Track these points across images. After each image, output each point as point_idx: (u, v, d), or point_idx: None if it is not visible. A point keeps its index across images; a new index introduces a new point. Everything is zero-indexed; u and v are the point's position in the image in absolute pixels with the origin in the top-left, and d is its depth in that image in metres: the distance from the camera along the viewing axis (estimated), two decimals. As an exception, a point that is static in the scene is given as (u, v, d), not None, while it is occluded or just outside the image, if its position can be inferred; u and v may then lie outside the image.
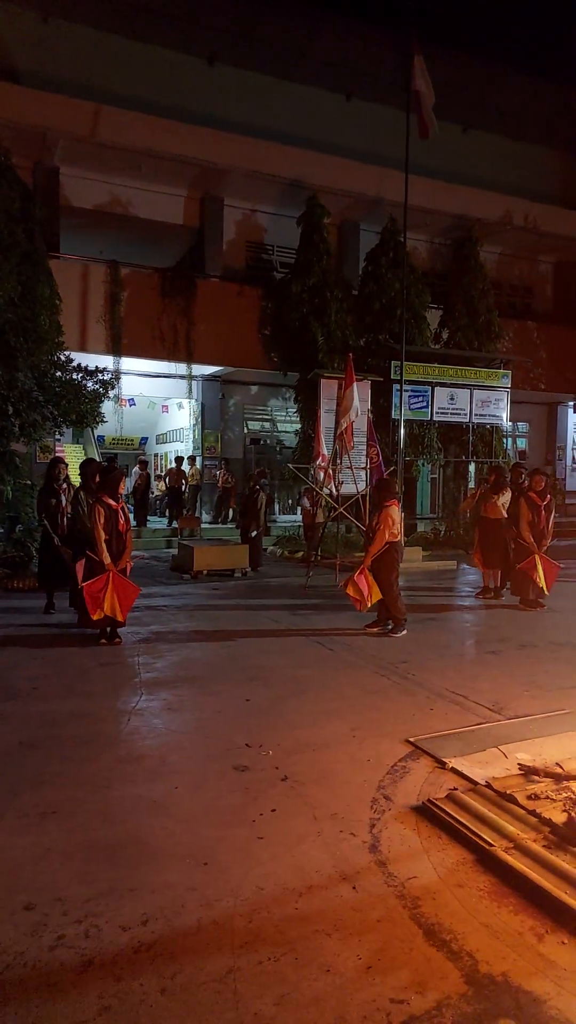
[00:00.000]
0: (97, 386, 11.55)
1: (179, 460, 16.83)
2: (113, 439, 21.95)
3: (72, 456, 21.25)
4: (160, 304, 15.00)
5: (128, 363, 15.89)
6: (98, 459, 20.76)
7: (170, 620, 7.80)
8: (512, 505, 8.51)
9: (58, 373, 11.18)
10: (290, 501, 18.09)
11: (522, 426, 21.45)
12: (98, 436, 21.50)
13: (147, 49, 16.35)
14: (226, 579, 10.82)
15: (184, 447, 18.62)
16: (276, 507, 17.43)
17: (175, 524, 15.52)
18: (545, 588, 8.16)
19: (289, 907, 2.71)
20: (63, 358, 11.52)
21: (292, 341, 14.57)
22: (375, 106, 17.78)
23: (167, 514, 16.91)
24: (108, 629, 6.67)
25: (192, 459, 17.00)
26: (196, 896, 2.77)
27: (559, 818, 3.25)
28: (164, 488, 18.18)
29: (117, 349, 14.63)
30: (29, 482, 12.79)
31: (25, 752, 4.14)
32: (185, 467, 16.50)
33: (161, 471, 20.80)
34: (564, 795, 3.47)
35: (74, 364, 11.50)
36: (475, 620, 8.22)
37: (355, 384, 10.00)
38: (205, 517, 16.59)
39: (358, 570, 7.09)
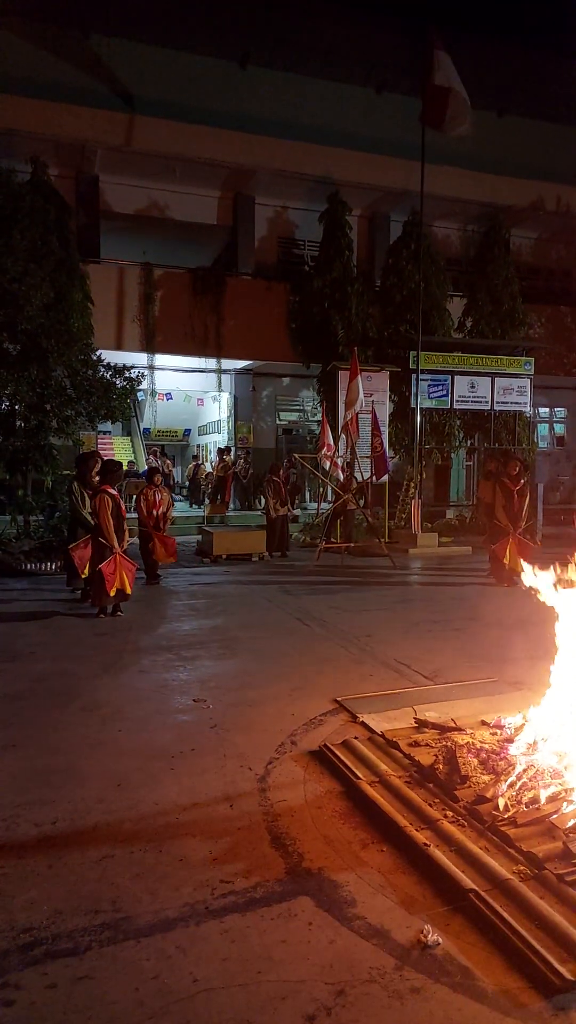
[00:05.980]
0: (125, 383, 12.37)
1: (220, 451, 17.54)
2: (158, 431, 23.00)
3: (120, 449, 22.39)
4: (192, 302, 15.75)
5: (164, 359, 16.74)
6: (143, 451, 21.77)
7: (172, 599, 8.53)
8: (489, 491, 8.84)
9: (89, 371, 12.04)
10: (320, 489, 18.58)
11: (560, 411, 21.24)
12: (144, 429, 22.61)
13: (181, 56, 17.00)
14: (243, 563, 11.48)
15: (221, 438, 19.37)
16: (307, 495, 17.98)
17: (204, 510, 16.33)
18: (517, 568, 8.44)
19: (172, 817, 3.34)
20: (94, 357, 12.39)
21: (315, 334, 15.07)
22: (406, 98, 17.83)
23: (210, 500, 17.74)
24: (109, 607, 7.43)
25: (228, 449, 17.70)
26: (102, 807, 3.43)
27: (427, 761, 3.75)
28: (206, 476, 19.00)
29: (151, 347, 15.49)
30: (68, 472, 13.86)
31: (6, 702, 4.90)
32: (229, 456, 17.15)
33: (201, 462, 21.65)
34: (441, 744, 3.95)
35: (104, 362, 12.35)
36: (457, 599, 8.58)
37: (359, 376, 10.46)
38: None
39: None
